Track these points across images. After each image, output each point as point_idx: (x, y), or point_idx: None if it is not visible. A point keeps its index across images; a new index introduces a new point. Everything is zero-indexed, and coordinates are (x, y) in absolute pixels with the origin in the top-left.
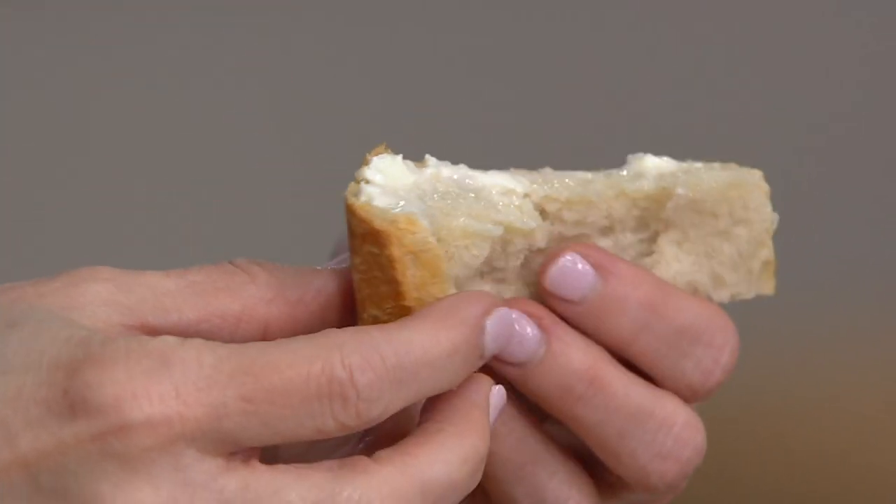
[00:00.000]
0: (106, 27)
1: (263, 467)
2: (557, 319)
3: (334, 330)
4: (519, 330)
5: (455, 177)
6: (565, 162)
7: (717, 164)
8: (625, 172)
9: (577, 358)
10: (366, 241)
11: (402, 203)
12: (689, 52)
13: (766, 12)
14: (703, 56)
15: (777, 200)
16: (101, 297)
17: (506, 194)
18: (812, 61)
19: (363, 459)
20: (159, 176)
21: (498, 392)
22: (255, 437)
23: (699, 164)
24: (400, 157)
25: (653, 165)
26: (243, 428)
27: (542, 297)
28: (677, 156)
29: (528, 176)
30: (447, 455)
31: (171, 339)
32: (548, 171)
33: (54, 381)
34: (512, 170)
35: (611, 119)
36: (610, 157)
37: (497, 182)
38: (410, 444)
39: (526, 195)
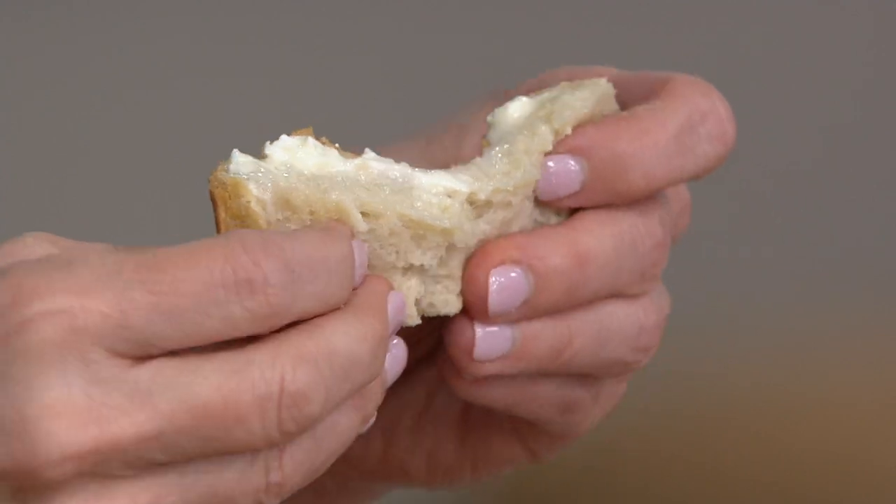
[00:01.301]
0: (105, 25)
1: (170, 357)
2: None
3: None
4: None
5: (389, 172)
6: None
7: (567, 85)
8: (495, 146)
9: (559, 259)
10: (212, 206)
11: (257, 172)
12: (689, 52)
13: (765, 12)
14: (702, 56)
15: (777, 200)
16: (36, 252)
17: (437, 194)
18: (811, 59)
19: (271, 334)
20: (159, 175)
21: (395, 296)
22: (161, 334)
23: (555, 92)
24: (311, 140)
25: (516, 114)
26: (150, 322)
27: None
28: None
29: (469, 172)
30: (348, 328)
31: (75, 243)
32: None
33: None
34: (454, 168)
35: None
36: None
37: (435, 182)
38: (315, 320)
39: (451, 195)
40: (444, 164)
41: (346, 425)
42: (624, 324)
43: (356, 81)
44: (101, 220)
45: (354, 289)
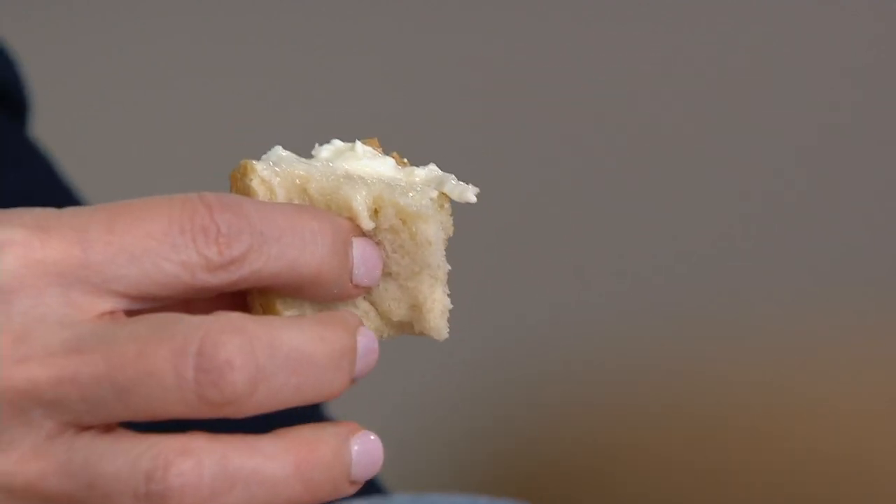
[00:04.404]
0: (105, 25)
1: (122, 316)
2: None
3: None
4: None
5: (432, 174)
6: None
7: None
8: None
9: None
10: None
11: (280, 162)
12: (688, 53)
13: (764, 12)
14: (701, 56)
15: (777, 200)
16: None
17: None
18: (812, 59)
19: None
20: (158, 176)
21: (366, 331)
22: (119, 274)
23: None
24: (363, 146)
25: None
26: (108, 261)
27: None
28: (677, 157)
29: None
30: (304, 326)
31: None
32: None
33: None
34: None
35: (609, 119)
36: (610, 161)
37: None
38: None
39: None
40: None
41: (277, 475)
42: None
43: (356, 82)
44: None
45: (357, 286)
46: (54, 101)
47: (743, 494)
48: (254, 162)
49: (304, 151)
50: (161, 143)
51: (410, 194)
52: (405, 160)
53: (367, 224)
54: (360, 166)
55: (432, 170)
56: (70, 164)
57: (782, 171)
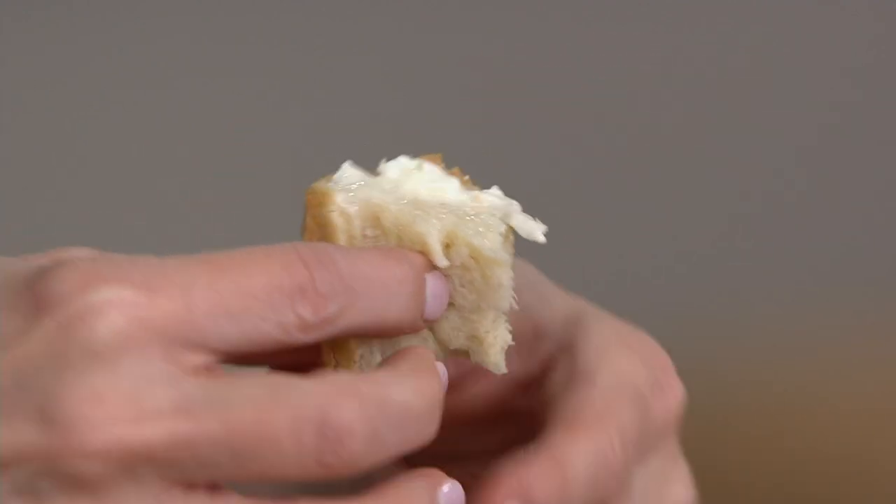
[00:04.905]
0: (105, 25)
1: (222, 373)
2: None
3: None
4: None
5: (498, 203)
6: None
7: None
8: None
9: None
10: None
11: (353, 185)
12: (688, 53)
13: (763, 12)
14: (702, 56)
15: (776, 200)
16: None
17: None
18: (810, 58)
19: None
20: (159, 177)
21: (441, 366)
22: (221, 333)
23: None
24: (429, 165)
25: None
26: (210, 319)
27: None
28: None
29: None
30: (403, 380)
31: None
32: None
33: (22, 289)
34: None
35: (609, 119)
36: (610, 163)
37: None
38: (370, 370)
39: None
40: None
41: None
42: None
43: (357, 82)
44: (102, 221)
45: (426, 320)
46: (54, 101)
47: (743, 494)
48: (332, 189)
49: (306, 152)
50: (161, 142)
51: (480, 229)
52: (467, 177)
53: (442, 262)
54: (427, 188)
55: (496, 194)
56: (71, 163)
57: (782, 171)
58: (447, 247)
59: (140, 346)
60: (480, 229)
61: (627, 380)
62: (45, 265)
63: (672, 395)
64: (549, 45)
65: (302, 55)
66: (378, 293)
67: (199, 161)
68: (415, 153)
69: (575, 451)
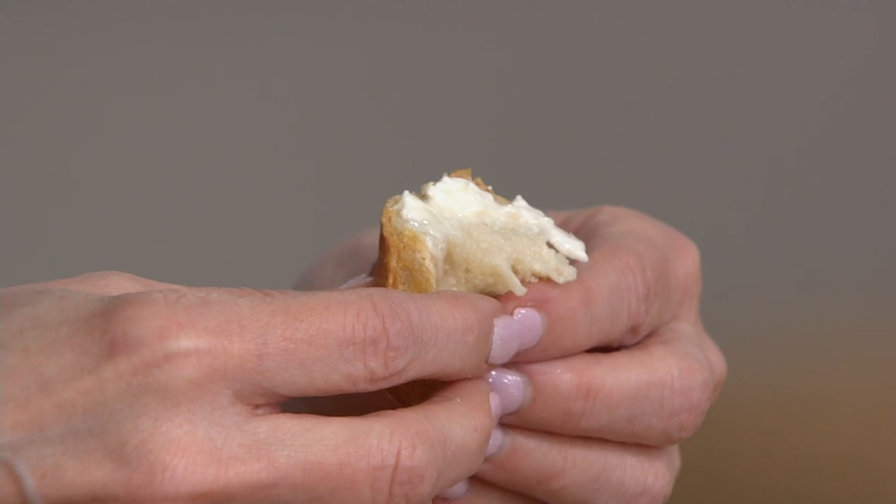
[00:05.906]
0: (106, 25)
1: (289, 415)
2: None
3: (361, 287)
4: (509, 379)
5: (533, 222)
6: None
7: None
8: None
9: (564, 380)
10: (380, 245)
11: (426, 222)
12: (688, 53)
13: (762, 12)
14: (701, 56)
15: (776, 199)
16: (124, 287)
17: (558, 256)
18: (810, 58)
19: (388, 409)
20: (158, 178)
21: (494, 397)
22: (290, 382)
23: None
24: (472, 184)
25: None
26: (281, 368)
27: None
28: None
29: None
30: (462, 419)
31: (157, 283)
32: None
33: (91, 327)
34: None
35: (609, 119)
36: (611, 167)
37: (562, 242)
38: (429, 405)
39: (571, 262)
40: None
41: None
42: (627, 478)
43: (357, 82)
44: (102, 222)
45: (490, 365)
46: (54, 102)
47: (743, 494)
48: (421, 234)
49: (309, 151)
50: (161, 143)
51: (534, 249)
52: (490, 187)
53: (520, 291)
54: (473, 211)
55: (523, 205)
56: (70, 163)
57: (783, 172)
58: (515, 273)
59: (213, 392)
60: (534, 249)
61: (643, 232)
62: (110, 302)
63: (689, 256)
64: (549, 44)
65: (302, 55)
66: (444, 343)
67: (199, 162)
68: (418, 154)
69: (597, 272)
